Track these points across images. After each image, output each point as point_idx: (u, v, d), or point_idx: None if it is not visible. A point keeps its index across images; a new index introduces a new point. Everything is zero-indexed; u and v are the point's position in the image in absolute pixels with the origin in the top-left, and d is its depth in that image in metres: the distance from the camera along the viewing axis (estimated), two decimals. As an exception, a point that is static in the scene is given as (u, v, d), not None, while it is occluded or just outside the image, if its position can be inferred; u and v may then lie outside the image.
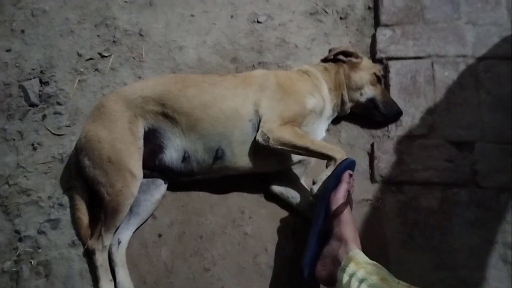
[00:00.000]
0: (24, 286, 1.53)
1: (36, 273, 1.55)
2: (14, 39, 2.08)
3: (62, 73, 1.97)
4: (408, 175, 1.58)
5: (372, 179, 1.61)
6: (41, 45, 2.05)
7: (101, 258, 1.48)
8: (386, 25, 1.87)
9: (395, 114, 1.65)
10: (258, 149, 1.48)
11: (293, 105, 1.51)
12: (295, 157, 1.56)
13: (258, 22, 2.02)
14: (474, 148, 1.58)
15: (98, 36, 2.05)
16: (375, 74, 1.66)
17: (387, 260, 1.45)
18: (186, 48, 1.99)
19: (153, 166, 1.57)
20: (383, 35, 1.84)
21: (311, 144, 1.41)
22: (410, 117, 1.68)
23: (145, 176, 1.54)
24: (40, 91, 1.93)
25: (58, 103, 1.88)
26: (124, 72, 1.95)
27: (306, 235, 1.32)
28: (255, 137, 1.47)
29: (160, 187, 1.60)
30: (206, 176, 1.58)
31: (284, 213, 1.58)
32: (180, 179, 1.60)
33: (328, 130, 1.70)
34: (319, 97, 1.59)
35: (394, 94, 1.72)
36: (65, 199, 1.66)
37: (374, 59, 1.81)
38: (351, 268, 1.12)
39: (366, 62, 1.70)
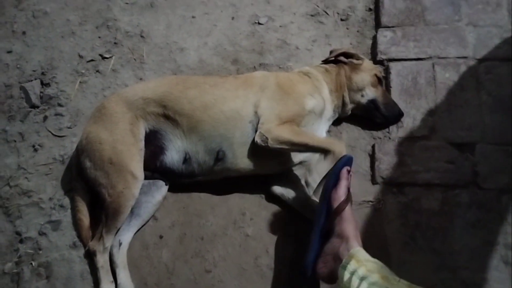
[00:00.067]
0: (25, 288, 1.54)
1: (37, 274, 1.55)
2: (15, 41, 2.08)
3: (63, 74, 1.97)
4: (409, 177, 1.58)
5: (373, 181, 1.61)
6: (42, 46, 2.05)
7: (102, 260, 1.48)
8: (387, 27, 1.86)
9: (396, 116, 1.65)
10: (259, 151, 1.48)
11: (292, 105, 1.51)
12: (296, 159, 1.56)
13: (259, 23, 2.02)
14: (475, 150, 1.58)
15: (99, 37, 2.05)
16: (376, 75, 1.66)
17: (388, 262, 1.42)
18: (187, 50, 1.99)
19: (154, 168, 1.57)
20: (384, 36, 1.84)
21: (310, 140, 1.41)
22: (411, 119, 1.68)
23: (146, 178, 1.54)
24: (41, 92, 1.93)
25: (59, 105, 1.88)
26: (125, 73, 1.95)
27: (307, 236, 1.32)
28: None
29: (161, 189, 1.60)
30: (207, 178, 1.58)
31: (285, 215, 1.58)
32: (181, 181, 1.60)
33: (329, 131, 1.70)
34: (319, 98, 1.59)
35: (395, 96, 1.71)
36: (66, 201, 1.67)
37: (375, 60, 1.81)
38: (352, 265, 1.12)
39: (367, 63, 1.70)
